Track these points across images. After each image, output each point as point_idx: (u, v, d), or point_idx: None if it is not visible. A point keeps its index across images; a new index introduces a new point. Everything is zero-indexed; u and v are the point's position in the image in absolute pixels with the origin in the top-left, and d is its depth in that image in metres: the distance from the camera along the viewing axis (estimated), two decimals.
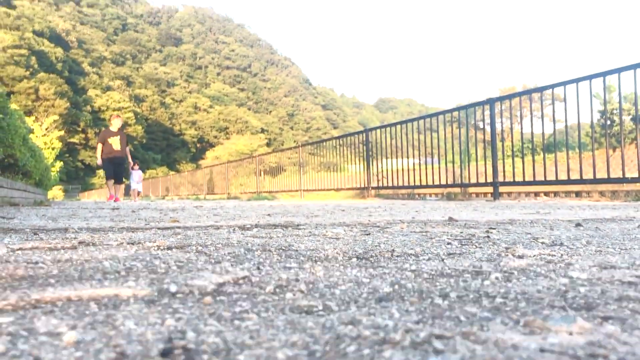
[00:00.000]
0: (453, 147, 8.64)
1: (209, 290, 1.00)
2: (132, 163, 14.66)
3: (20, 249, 1.64)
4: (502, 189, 8.54)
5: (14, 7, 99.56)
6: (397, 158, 9.79)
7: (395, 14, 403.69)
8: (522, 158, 10.20)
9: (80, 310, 0.83)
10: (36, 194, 10.77)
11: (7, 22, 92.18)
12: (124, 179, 14.21)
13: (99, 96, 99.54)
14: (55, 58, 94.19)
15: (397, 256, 1.49)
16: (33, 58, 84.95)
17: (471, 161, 8.22)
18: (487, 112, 8.19)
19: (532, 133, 10.95)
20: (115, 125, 13.22)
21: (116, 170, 13.17)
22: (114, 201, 12.81)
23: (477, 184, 8.04)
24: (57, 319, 0.78)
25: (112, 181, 13.23)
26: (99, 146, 12.98)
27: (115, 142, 12.96)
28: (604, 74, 6.09)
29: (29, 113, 53.29)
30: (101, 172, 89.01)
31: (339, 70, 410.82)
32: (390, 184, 9.90)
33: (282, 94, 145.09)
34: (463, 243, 1.81)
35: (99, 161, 13.08)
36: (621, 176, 5.93)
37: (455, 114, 8.71)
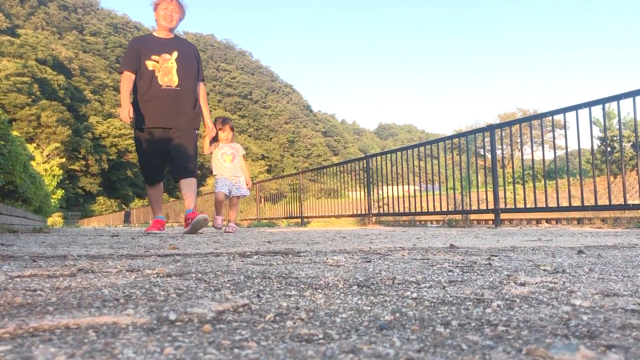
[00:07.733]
0: (454, 174, 8.66)
1: (209, 318, 0.99)
2: (212, 127, 6.11)
3: (19, 276, 1.63)
4: (503, 215, 8.53)
5: (17, 36, 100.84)
6: (397, 185, 9.80)
7: (395, 41, 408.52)
8: (523, 184, 10.22)
9: (78, 338, 0.82)
10: (36, 220, 10.78)
11: (11, 50, 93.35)
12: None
13: (100, 123, 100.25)
14: (58, 85, 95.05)
15: (398, 284, 1.49)
16: (35, 85, 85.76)
17: (472, 188, 8.22)
18: (487, 139, 8.23)
19: (532, 159, 10.98)
20: (166, 23, 5.37)
21: (176, 145, 5.37)
22: (185, 227, 5.35)
23: (478, 211, 8.03)
24: (55, 347, 0.77)
25: (159, 182, 5.67)
26: (126, 78, 5.24)
27: (167, 67, 5.31)
28: (603, 101, 6.13)
29: (30, 140, 53.56)
30: (101, 198, 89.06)
31: (340, 96, 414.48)
32: (391, 211, 9.88)
33: (283, 121, 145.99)
34: (464, 270, 1.80)
35: (127, 114, 5.09)
36: (623, 203, 5.92)
37: (456, 140, 8.74)
